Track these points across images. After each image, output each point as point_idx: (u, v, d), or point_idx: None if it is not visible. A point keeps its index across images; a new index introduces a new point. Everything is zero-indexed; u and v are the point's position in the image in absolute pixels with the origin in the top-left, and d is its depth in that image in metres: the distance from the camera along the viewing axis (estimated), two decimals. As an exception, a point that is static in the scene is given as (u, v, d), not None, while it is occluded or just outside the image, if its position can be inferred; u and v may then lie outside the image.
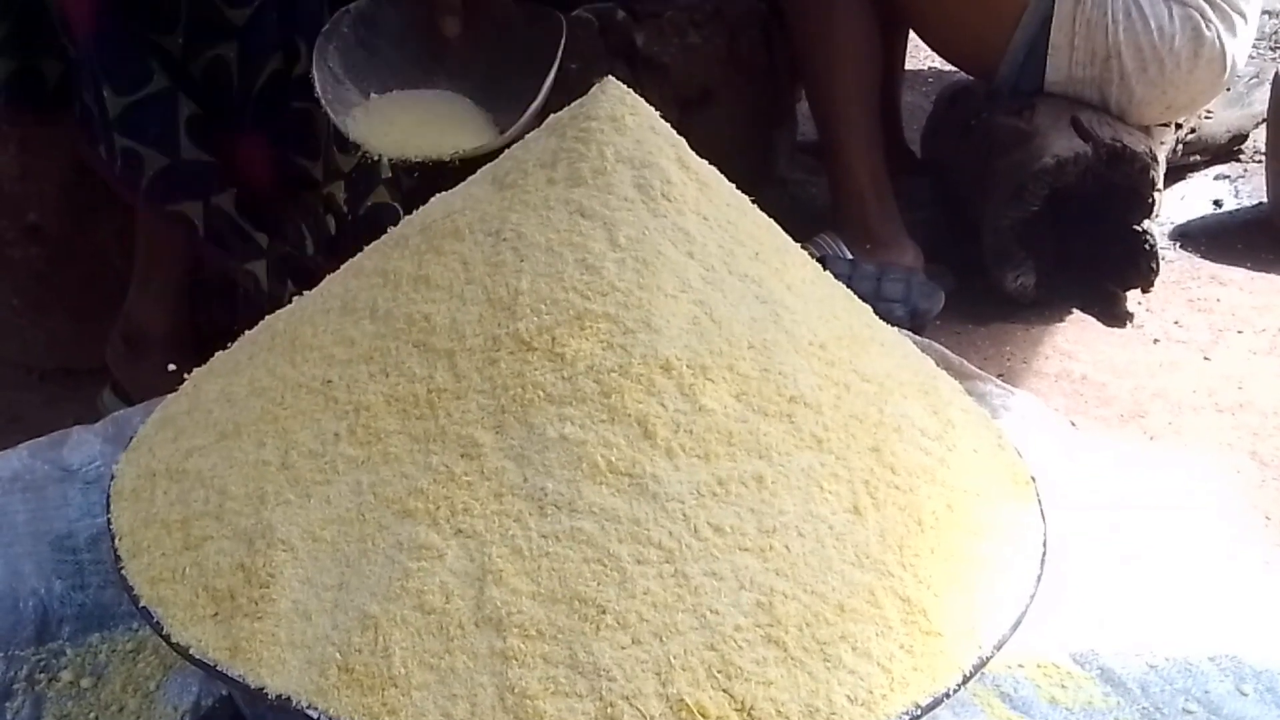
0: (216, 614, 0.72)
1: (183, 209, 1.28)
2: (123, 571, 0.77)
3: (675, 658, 0.66)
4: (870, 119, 1.72)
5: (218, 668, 0.70)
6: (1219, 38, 1.65)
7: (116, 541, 0.79)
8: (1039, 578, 0.80)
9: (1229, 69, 1.69)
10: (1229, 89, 1.87)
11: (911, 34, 1.97)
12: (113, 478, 0.84)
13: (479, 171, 0.90)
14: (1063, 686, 0.93)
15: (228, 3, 1.25)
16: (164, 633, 0.73)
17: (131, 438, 0.89)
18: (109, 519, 0.81)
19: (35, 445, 1.15)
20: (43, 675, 0.92)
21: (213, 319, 1.50)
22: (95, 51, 1.25)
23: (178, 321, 1.44)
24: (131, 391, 1.42)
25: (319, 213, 1.39)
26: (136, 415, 1.01)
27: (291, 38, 1.28)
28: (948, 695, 0.70)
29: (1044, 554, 0.82)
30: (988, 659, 0.73)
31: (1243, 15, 1.68)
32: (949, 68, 2.19)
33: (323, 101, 1.18)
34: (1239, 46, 1.69)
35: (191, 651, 0.71)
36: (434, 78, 1.32)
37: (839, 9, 1.69)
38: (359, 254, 0.92)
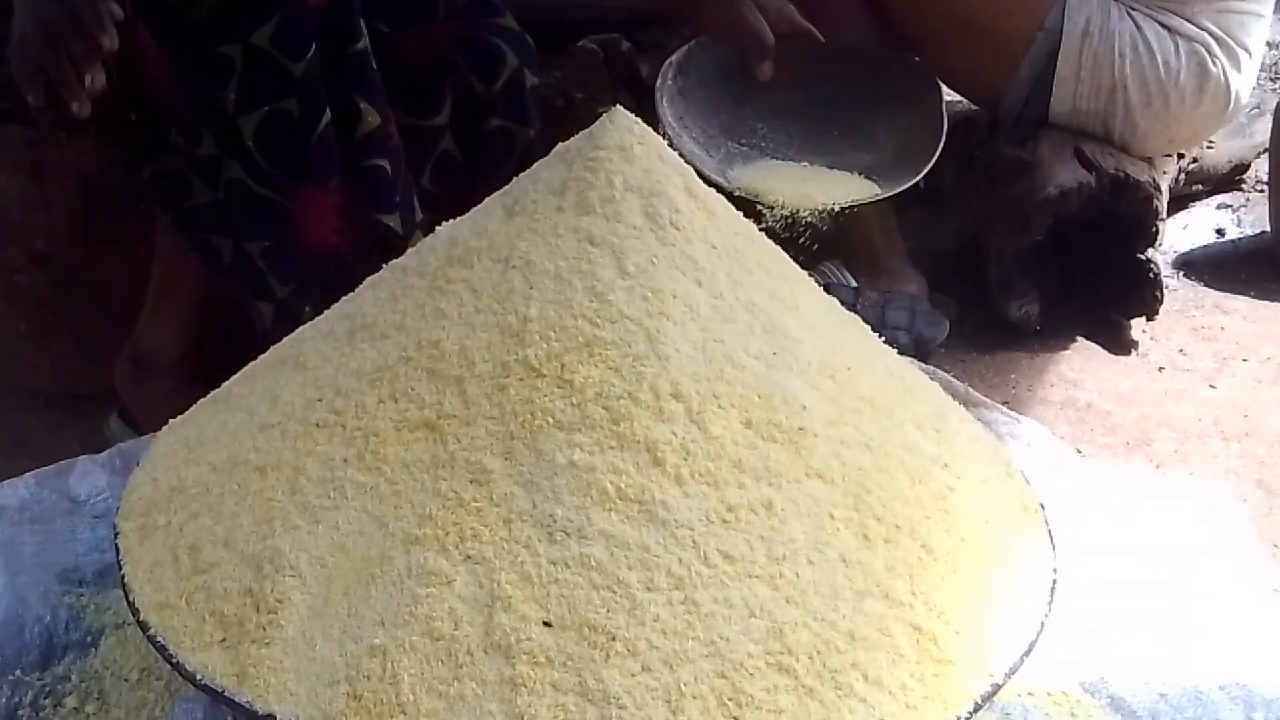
0: (224, 640, 0.72)
1: (215, 241, 1.30)
2: (130, 597, 0.77)
3: (685, 685, 0.66)
4: (876, 148, 1.73)
5: (225, 694, 0.70)
6: (1224, 73, 1.66)
7: (124, 567, 0.79)
8: (1049, 605, 0.79)
9: (1233, 103, 1.70)
10: (1231, 122, 1.88)
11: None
12: (121, 502, 0.84)
13: (487, 200, 0.91)
14: (1073, 715, 0.92)
15: (286, 55, 1.23)
16: (171, 658, 0.72)
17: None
18: (116, 544, 0.81)
19: (42, 474, 1.15)
20: (47, 701, 0.91)
21: (223, 347, 1.51)
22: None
23: (187, 348, 1.44)
24: (138, 414, 1.42)
25: None
26: (143, 447, 1.01)
27: (348, 95, 1.27)
28: (959, 724, 0.70)
29: (1054, 582, 0.82)
30: (999, 687, 0.73)
31: (1247, 50, 1.69)
32: (953, 98, 2.20)
33: (686, 154, 1.16)
34: (1243, 81, 1.70)
35: (199, 677, 0.71)
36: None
37: (844, 38, 1.70)
38: (366, 280, 0.92)
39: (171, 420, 0.93)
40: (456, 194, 1.39)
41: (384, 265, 0.91)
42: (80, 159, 1.47)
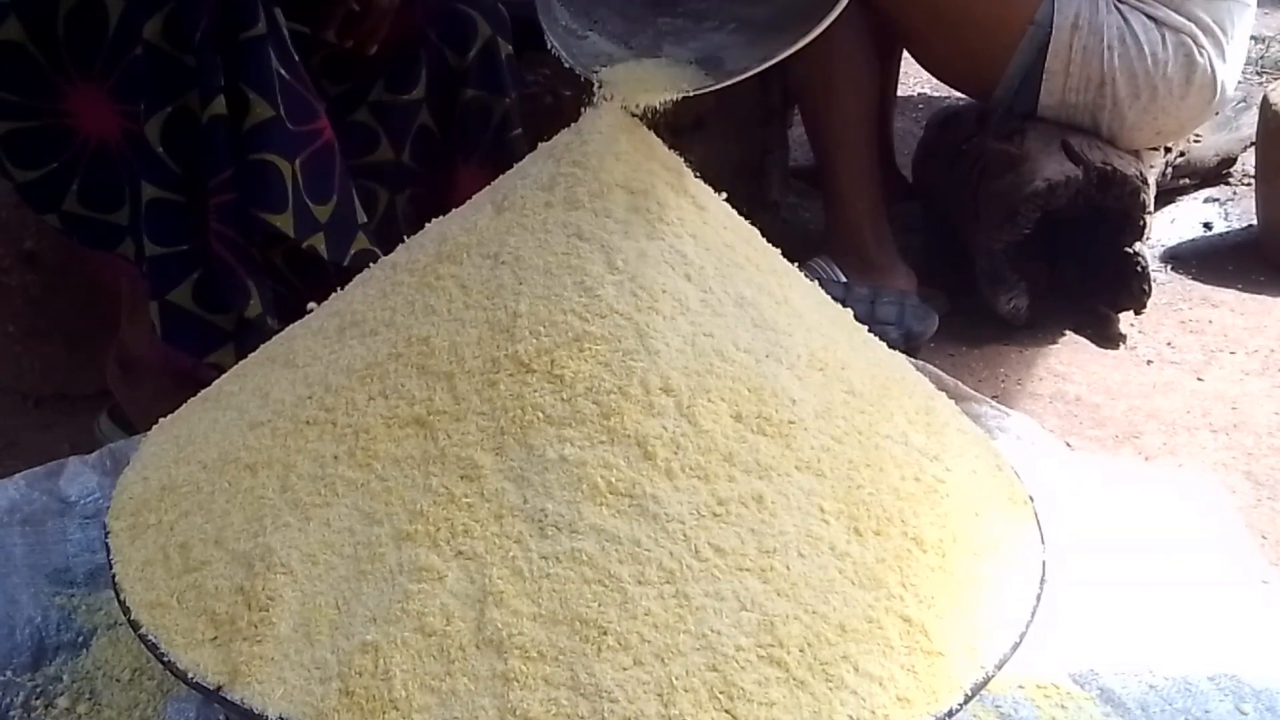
0: (216, 638, 0.71)
1: (48, 219, 1.25)
2: (121, 596, 0.77)
3: (677, 679, 0.66)
4: (866, 144, 1.73)
5: (217, 692, 0.69)
6: (1210, 63, 1.67)
7: (115, 566, 0.79)
8: (1039, 598, 0.80)
9: (1219, 95, 1.71)
10: (1218, 114, 1.88)
11: (903, 60, 1.99)
12: (111, 501, 0.84)
13: (476, 196, 0.91)
14: (1063, 707, 0.93)
15: (177, 46, 1.16)
16: (163, 657, 0.72)
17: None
18: (107, 543, 0.81)
19: (32, 475, 1.15)
20: (39, 701, 0.91)
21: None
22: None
23: (169, 350, 1.42)
24: (130, 413, 1.41)
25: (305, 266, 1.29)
26: (133, 447, 1.00)
27: (236, 85, 1.18)
28: (950, 715, 0.70)
29: (1043, 574, 0.82)
30: (989, 679, 0.73)
31: (1234, 41, 1.70)
32: (939, 93, 2.21)
33: (564, 57, 1.08)
34: (1230, 72, 1.71)
35: (191, 676, 0.71)
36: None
37: (835, 36, 1.70)
38: (356, 278, 0.92)
39: (161, 419, 0.93)
40: (438, 169, 1.39)
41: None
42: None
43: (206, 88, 1.16)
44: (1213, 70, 1.67)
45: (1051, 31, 1.65)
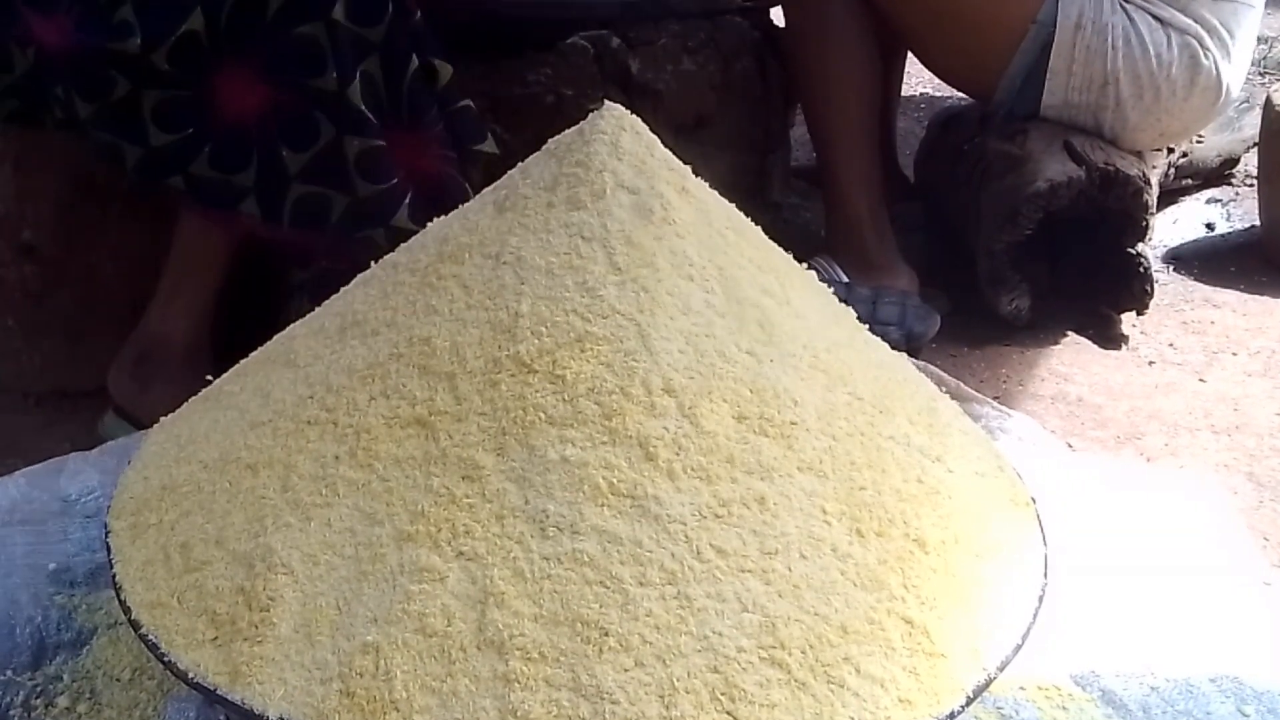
0: (216, 638, 0.71)
1: (168, 183, 1.33)
2: (122, 596, 0.76)
3: (678, 680, 0.66)
4: (868, 144, 1.73)
5: (217, 692, 0.69)
6: (1215, 65, 1.66)
7: (115, 566, 0.79)
8: (1041, 599, 0.80)
9: (1224, 97, 1.70)
10: (1222, 115, 1.88)
11: (907, 60, 1.99)
12: (111, 501, 0.84)
13: (477, 196, 0.91)
14: (1064, 708, 0.93)
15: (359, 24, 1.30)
16: (163, 657, 0.72)
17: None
18: (107, 542, 0.81)
19: (32, 473, 1.15)
20: (39, 700, 0.91)
21: (233, 341, 1.51)
22: (64, 68, 1.30)
23: (200, 337, 1.44)
24: (142, 415, 1.41)
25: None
26: (133, 445, 1.01)
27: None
28: (952, 717, 0.70)
29: (1045, 576, 0.82)
30: (991, 680, 0.73)
31: (1240, 43, 1.69)
32: (942, 93, 2.21)
33: None
34: (1234, 74, 1.70)
35: (191, 676, 0.71)
36: None
37: (836, 35, 1.71)
38: (357, 277, 0.92)
39: (162, 418, 0.93)
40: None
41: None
42: (66, 150, 1.47)
43: (403, 57, 1.34)
44: (1217, 72, 1.67)
45: (1055, 31, 1.65)
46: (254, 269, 1.54)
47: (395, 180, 1.34)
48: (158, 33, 1.27)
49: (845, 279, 1.70)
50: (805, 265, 0.93)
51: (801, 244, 1.70)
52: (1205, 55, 1.66)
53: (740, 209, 0.92)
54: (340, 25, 1.29)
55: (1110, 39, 1.64)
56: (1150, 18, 1.66)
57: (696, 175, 0.90)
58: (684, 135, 1.77)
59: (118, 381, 1.45)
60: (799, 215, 2.04)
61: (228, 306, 1.49)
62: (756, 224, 0.92)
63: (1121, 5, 1.66)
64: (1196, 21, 1.65)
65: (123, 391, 1.44)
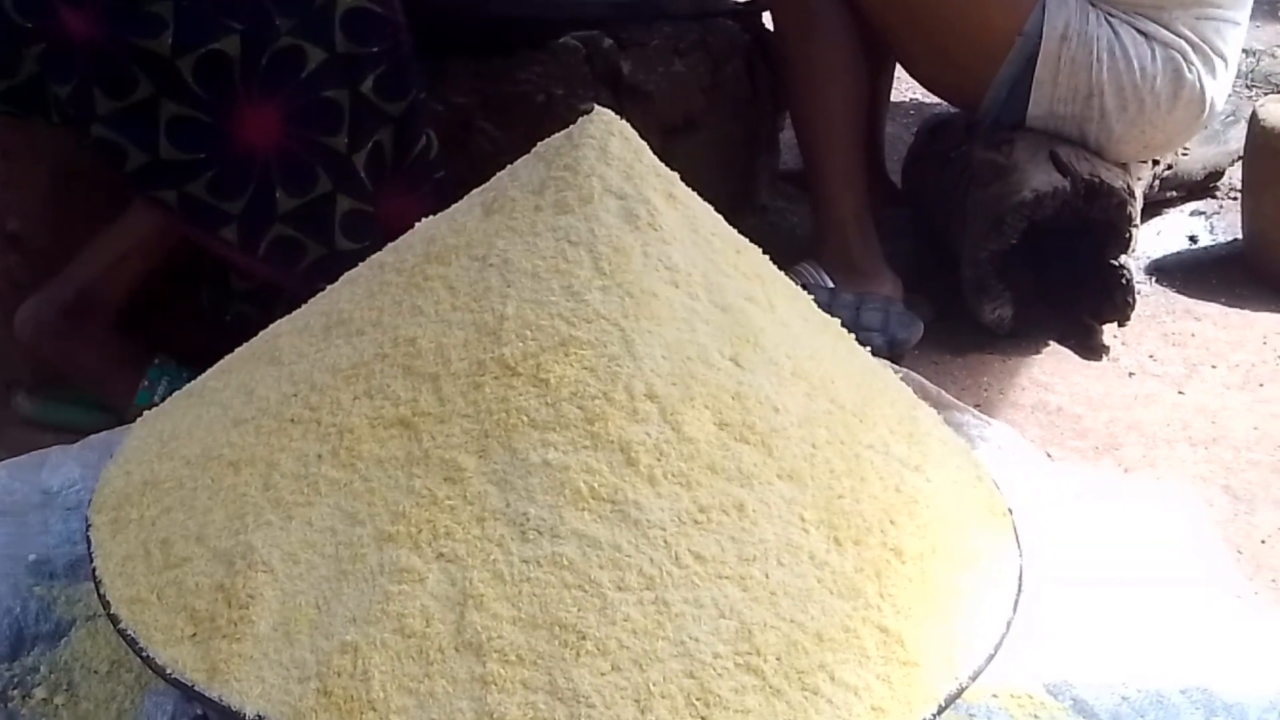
0: (195, 635, 0.72)
1: (160, 195, 1.35)
2: (101, 590, 0.77)
3: (654, 685, 0.66)
4: (855, 149, 1.74)
5: (195, 689, 0.70)
6: (1199, 79, 1.68)
7: (95, 560, 0.79)
8: (1015, 609, 0.80)
9: (1208, 110, 1.72)
10: (1206, 129, 1.90)
11: (896, 66, 1.99)
12: (93, 495, 0.84)
13: (465, 198, 0.91)
14: (1036, 716, 0.94)
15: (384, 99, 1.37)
16: (142, 653, 0.73)
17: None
18: (88, 537, 0.81)
19: (13, 465, 1.15)
20: (16, 692, 0.91)
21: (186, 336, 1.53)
22: (87, 60, 1.31)
23: (130, 306, 1.46)
24: (61, 362, 1.44)
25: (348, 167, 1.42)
26: (116, 439, 1.01)
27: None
28: (924, 725, 0.70)
29: (1020, 586, 0.83)
30: (963, 689, 0.74)
31: (1224, 58, 1.71)
32: (930, 100, 2.22)
33: None
34: (1219, 88, 1.72)
35: (169, 672, 0.71)
36: None
37: (825, 39, 1.71)
38: (343, 276, 0.92)
39: (146, 413, 0.93)
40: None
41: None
42: (51, 140, 1.47)
43: (416, 133, 1.42)
44: (1201, 86, 1.68)
45: (1040, 42, 1.66)
46: (194, 266, 1.55)
47: (370, 243, 1.34)
48: (191, 40, 1.29)
49: (830, 284, 1.71)
50: (789, 270, 0.93)
51: (788, 248, 1.72)
52: (1189, 69, 1.67)
53: (728, 211, 0.92)
54: (365, 97, 1.35)
55: (1095, 51, 1.65)
56: (1135, 31, 1.67)
57: (685, 177, 0.90)
58: (673, 137, 1.77)
59: (39, 320, 1.44)
60: (786, 219, 2.04)
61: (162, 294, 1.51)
62: (744, 227, 0.93)
63: (1107, 18, 1.67)
64: (1180, 37, 1.67)
65: (44, 331, 1.44)
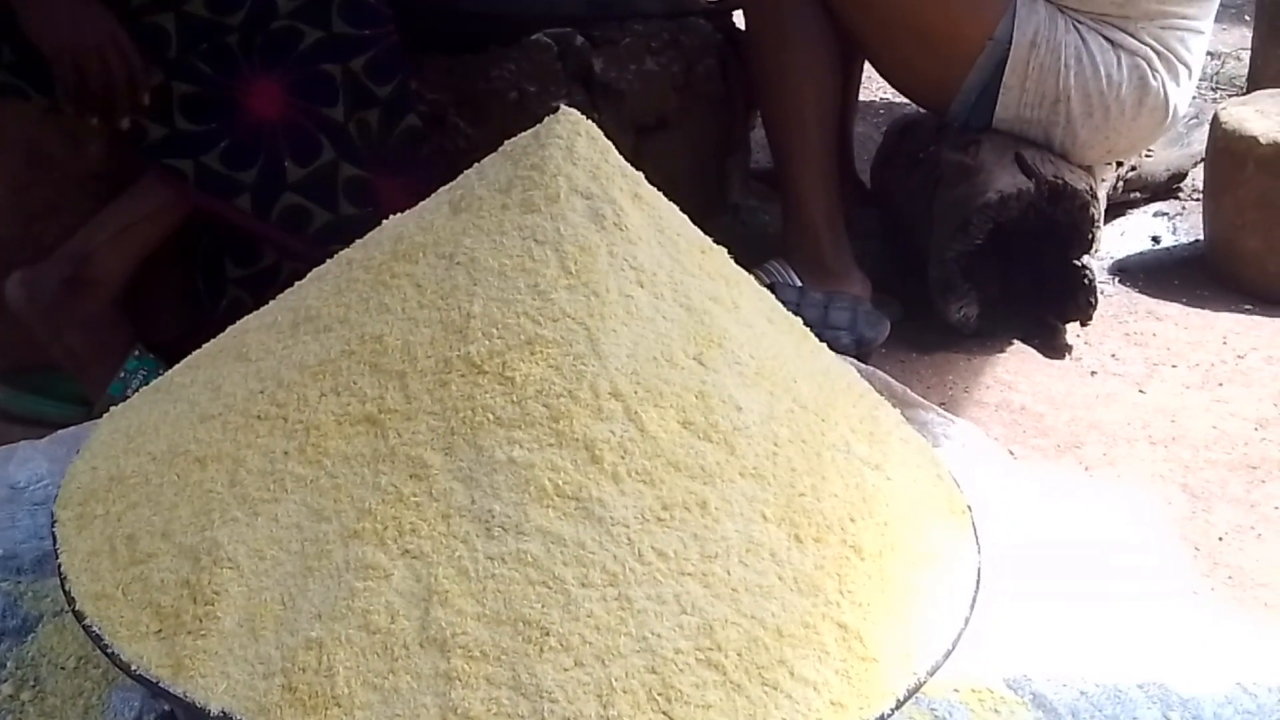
0: (160, 631, 0.72)
1: (177, 164, 1.44)
2: (67, 586, 0.77)
3: (616, 680, 0.67)
4: (825, 149, 1.75)
5: (160, 685, 0.70)
6: (1164, 87, 1.70)
7: (61, 556, 0.79)
8: (973, 605, 0.82)
9: (1171, 116, 1.74)
10: (1169, 133, 1.92)
11: (865, 66, 2.01)
12: (59, 490, 0.84)
13: (432, 196, 0.91)
14: (996, 711, 0.95)
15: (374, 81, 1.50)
16: (107, 649, 0.73)
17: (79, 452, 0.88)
18: (54, 532, 0.81)
19: (-20, 459, 1.14)
20: (-19, 688, 0.91)
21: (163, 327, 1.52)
22: None
23: (125, 287, 1.50)
24: (52, 344, 1.46)
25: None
26: (84, 434, 1.00)
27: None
28: (882, 719, 0.72)
29: (978, 583, 0.84)
30: (921, 684, 0.75)
31: (1187, 66, 1.73)
32: (900, 100, 2.23)
33: None
34: (1182, 95, 1.74)
35: (134, 669, 0.71)
36: None
37: (797, 40, 1.72)
38: (310, 273, 0.92)
39: (113, 408, 0.93)
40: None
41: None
42: (22, 129, 1.46)
43: (400, 113, 1.53)
44: (1165, 93, 1.71)
45: (1010, 48, 1.68)
46: (192, 256, 1.57)
47: (372, 208, 1.48)
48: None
49: (799, 283, 1.72)
50: (759, 268, 0.94)
51: (758, 246, 1.73)
52: (1154, 77, 1.70)
53: (700, 210, 0.93)
54: (356, 75, 1.48)
55: (1063, 58, 1.68)
56: (1102, 39, 1.69)
57: (657, 176, 0.91)
58: (645, 135, 1.78)
59: (35, 289, 1.45)
60: (757, 217, 2.05)
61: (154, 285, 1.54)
62: (715, 225, 0.93)
63: (1075, 26, 1.69)
64: (1146, 44, 1.69)
65: (38, 302, 1.45)
